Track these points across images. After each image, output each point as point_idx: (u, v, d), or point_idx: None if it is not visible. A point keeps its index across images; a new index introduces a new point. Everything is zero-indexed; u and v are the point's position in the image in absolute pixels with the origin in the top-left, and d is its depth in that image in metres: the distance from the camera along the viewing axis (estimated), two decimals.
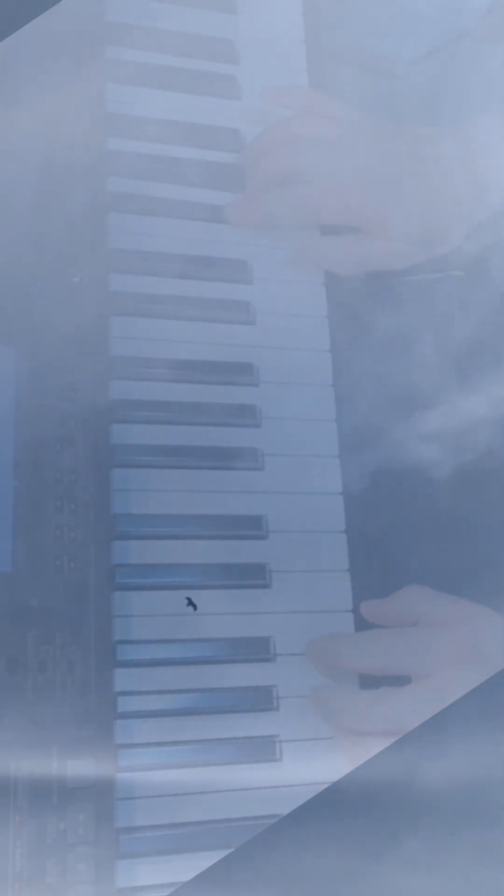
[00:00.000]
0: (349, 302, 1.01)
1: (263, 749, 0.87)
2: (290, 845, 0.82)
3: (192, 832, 0.84)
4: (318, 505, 0.94)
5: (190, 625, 0.89)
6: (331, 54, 1.10)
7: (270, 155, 1.01)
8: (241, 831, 0.84)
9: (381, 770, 0.82)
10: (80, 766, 0.83)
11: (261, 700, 0.88)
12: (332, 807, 0.81)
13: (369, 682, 0.89)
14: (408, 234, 0.98)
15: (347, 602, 0.92)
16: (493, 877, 0.79)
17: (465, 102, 1.05)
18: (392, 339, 0.99)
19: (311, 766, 0.87)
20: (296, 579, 0.92)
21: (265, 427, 0.96)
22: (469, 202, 0.99)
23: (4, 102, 0.99)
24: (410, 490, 0.95)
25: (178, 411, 0.94)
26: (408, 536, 0.95)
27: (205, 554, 0.91)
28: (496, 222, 1.00)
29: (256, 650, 0.89)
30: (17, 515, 0.87)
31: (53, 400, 0.91)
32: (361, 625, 0.91)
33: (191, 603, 0.87)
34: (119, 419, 0.93)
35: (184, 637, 0.88)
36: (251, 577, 0.91)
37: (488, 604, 0.90)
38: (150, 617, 0.88)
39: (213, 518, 0.92)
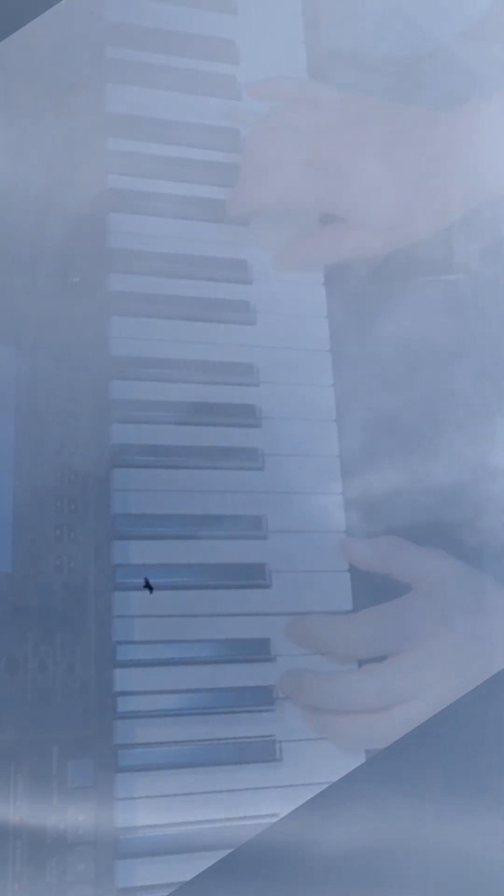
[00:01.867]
0: (349, 302, 1.01)
1: (263, 749, 0.87)
2: (291, 845, 0.82)
3: (192, 832, 0.84)
4: (318, 505, 0.94)
5: (190, 625, 0.89)
6: (330, 54, 1.10)
7: (259, 146, 1.01)
8: (241, 831, 0.84)
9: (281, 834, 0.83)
10: (80, 766, 0.83)
11: (261, 700, 0.88)
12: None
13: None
14: (387, 221, 0.98)
15: (347, 602, 0.92)
16: None
17: (464, 102, 1.05)
18: (392, 339, 0.99)
19: (311, 766, 0.87)
20: (296, 579, 0.92)
21: (265, 427, 0.96)
22: (457, 188, 0.98)
23: (4, 102, 0.99)
24: (411, 490, 0.95)
25: (178, 411, 0.94)
26: (407, 534, 0.95)
27: (205, 554, 0.91)
28: (496, 222, 1.00)
29: (256, 650, 0.89)
30: (17, 515, 0.87)
31: (53, 400, 0.91)
32: None
33: (147, 585, 0.87)
34: (119, 419, 0.93)
35: (184, 637, 0.88)
36: (251, 577, 0.91)
37: None
38: (150, 617, 0.88)
39: (213, 518, 0.92)
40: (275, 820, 0.84)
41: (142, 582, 0.87)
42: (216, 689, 0.87)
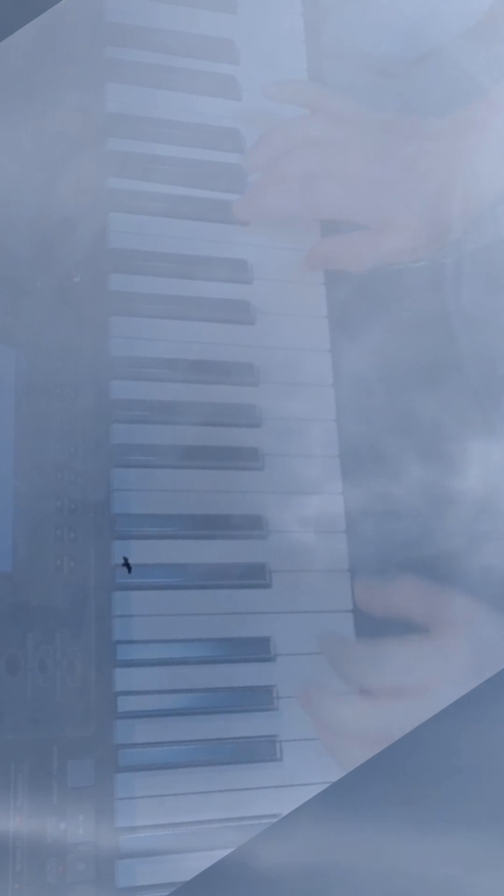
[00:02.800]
0: (349, 302, 1.01)
1: (263, 749, 0.87)
2: (291, 845, 0.82)
3: (191, 832, 0.84)
4: (318, 505, 0.94)
5: (190, 625, 0.89)
6: (331, 54, 1.10)
7: (278, 153, 1.01)
8: (241, 831, 0.84)
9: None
10: (80, 766, 0.83)
11: (261, 700, 0.88)
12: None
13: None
14: (413, 231, 0.98)
15: (347, 602, 0.92)
16: None
17: (465, 103, 1.05)
18: (392, 338, 0.99)
19: (311, 767, 0.87)
20: (296, 579, 0.92)
21: (265, 427, 0.96)
22: (473, 195, 0.99)
23: (4, 102, 0.99)
24: (410, 490, 0.95)
25: (178, 411, 0.94)
26: (407, 536, 0.95)
27: (205, 554, 0.91)
28: (497, 221, 1.00)
29: (256, 650, 0.89)
30: (17, 515, 0.87)
31: (53, 400, 0.91)
32: (361, 625, 0.91)
33: (126, 563, 0.86)
34: (119, 419, 0.93)
35: (184, 637, 0.88)
36: (251, 577, 0.91)
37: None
38: (150, 617, 0.88)
39: (213, 518, 0.92)
40: (275, 820, 0.84)
41: (125, 565, 0.87)
42: (216, 689, 0.87)
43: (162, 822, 0.84)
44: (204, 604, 0.89)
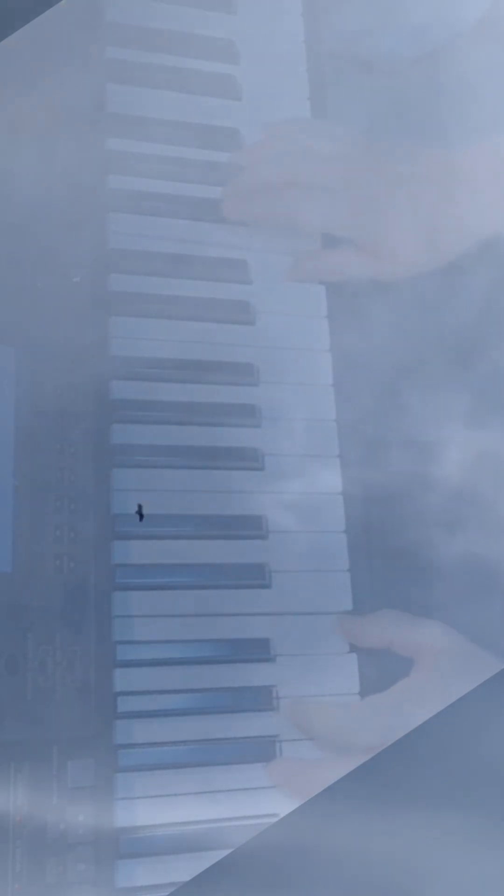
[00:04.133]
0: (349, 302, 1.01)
1: (263, 749, 0.87)
2: (291, 845, 0.82)
3: (191, 832, 0.84)
4: (318, 505, 0.94)
5: (190, 625, 0.89)
6: (331, 54, 1.10)
7: (272, 160, 1.01)
8: (241, 831, 0.84)
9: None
10: (80, 766, 0.83)
11: (261, 700, 0.88)
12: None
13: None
14: (401, 254, 0.99)
15: (347, 602, 0.92)
16: None
17: (465, 102, 1.05)
18: (392, 339, 0.99)
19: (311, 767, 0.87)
20: (296, 579, 0.92)
21: (265, 427, 0.96)
22: (469, 225, 0.99)
23: (4, 102, 0.99)
24: (411, 491, 0.95)
25: (178, 411, 0.94)
26: (408, 538, 0.95)
27: (205, 554, 0.91)
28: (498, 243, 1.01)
29: (256, 650, 0.89)
30: (17, 515, 0.87)
31: (53, 400, 0.91)
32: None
33: (139, 511, 0.86)
34: (119, 419, 0.93)
35: (184, 637, 0.88)
36: (251, 577, 0.91)
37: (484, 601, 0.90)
38: (150, 617, 0.88)
39: (213, 518, 0.92)
40: (275, 820, 0.84)
41: (138, 513, 0.86)
42: (216, 689, 0.87)
43: (162, 822, 0.84)
44: (204, 604, 0.89)
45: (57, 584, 0.87)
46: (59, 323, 0.94)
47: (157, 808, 0.84)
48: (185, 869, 0.82)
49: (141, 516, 0.86)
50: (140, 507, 0.86)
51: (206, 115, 1.05)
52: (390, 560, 0.94)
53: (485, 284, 1.01)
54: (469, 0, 1.09)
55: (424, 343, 1.00)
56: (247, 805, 0.85)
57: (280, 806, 0.85)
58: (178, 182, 1.01)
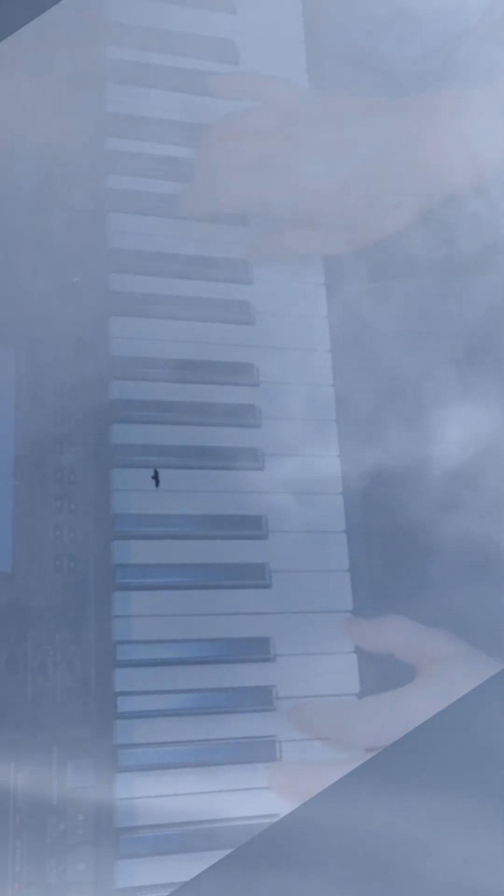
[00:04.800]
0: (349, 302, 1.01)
1: (263, 749, 0.87)
2: (290, 846, 0.82)
3: (192, 832, 0.84)
4: (318, 505, 0.94)
5: (190, 625, 0.89)
6: (331, 54, 1.10)
7: (217, 148, 1.01)
8: (241, 831, 0.84)
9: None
10: (80, 766, 0.83)
11: (261, 700, 0.88)
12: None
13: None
14: (353, 221, 0.98)
15: (347, 602, 0.92)
16: None
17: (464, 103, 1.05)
18: (392, 339, 0.99)
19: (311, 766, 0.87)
20: (296, 579, 0.92)
21: (265, 427, 0.96)
22: (417, 183, 0.98)
23: (4, 102, 0.99)
24: (410, 492, 0.95)
25: (178, 411, 0.94)
26: (407, 539, 0.95)
27: (205, 554, 0.91)
28: (497, 221, 1.00)
29: (256, 650, 0.89)
30: (17, 515, 0.87)
31: (53, 400, 0.91)
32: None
33: (155, 475, 0.86)
34: (119, 419, 0.93)
35: (184, 637, 0.88)
36: (251, 577, 0.91)
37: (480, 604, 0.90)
38: (150, 617, 0.88)
39: (213, 518, 0.92)
40: (275, 820, 0.84)
41: (154, 477, 0.86)
42: (216, 689, 0.87)
43: (162, 822, 0.84)
44: (204, 604, 0.89)
45: (57, 584, 0.87)
46: (59, 323, 0.94)
47: (157, 808, 0.84)
48: (185, 869, 0.82)
49: (157, 482, 0.86)
50: (156, 471, 0.86)
51: (206, 114, 1.05)
52: (390, 560, 0.94)
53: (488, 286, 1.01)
54: (469, 0, 1.09)
55: (428, 341, 1.00)
56: (247, 805, 0.85)
57: (280, 806, 0.85)
58: (178, 182, 1.01)
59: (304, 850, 0.82)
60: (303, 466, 0.95)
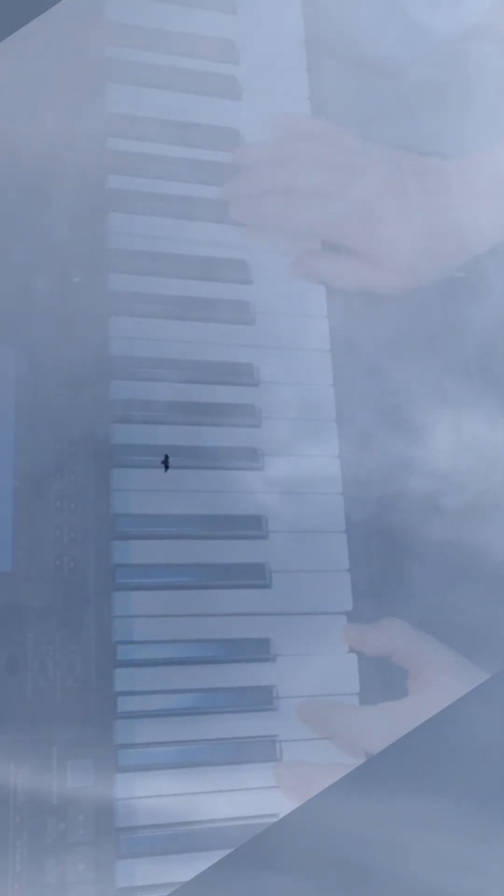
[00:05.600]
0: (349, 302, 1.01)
1: (263, 749, 0.87)
2: (290, 846, 0.82)
3: (192, 832, 0.84)
4: (317, 504, 0.94)
5: (190, 625, 0.89)
6: (331, 54, 1.09)
7: (277, 165, 1.01)
8: (241, 831, 0.84)
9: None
10: (80, 766, 0.83)
11: (261, 700, 0.88)
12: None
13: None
14: (400, 264, 0.99)
15: (347, 602, 0.92)
16: None
17: (464, 103, 1.05)
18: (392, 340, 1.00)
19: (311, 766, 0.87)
20: (296, 579, 0.92)
21: (265, 427, 0.96)
22: (468, 236, 1.00)
23: (4, 102, 0.99)
24: (410, 492, 0.95)
25: (178, 411, 0.94)
26: (407, 539, 0.95)
27: (205, 554, 0.91)
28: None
29: (256, 650, 0.89)
30: (17, 515, 0.87)
31: (53, 400, 0.91)
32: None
33: (165, 460, 0.86)
34: (119, 419, 0.93)
35: (184, 637, 0.88)
36: (251, 577, 0.91)
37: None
38: (150, 617, 0.88)
39: (213, 518, 0.92)
40: (275, 820, 0.84)
41: (163, 462, 0.86)
42: (216, 689, 0.87)
43: (162, 822, 0.84)
44: (204, 604, 0.89)
45: (57, 584, 0.87)
46: (59, 323, 0.94)
47: (157, 808, 0.84)
48: (185, 869, 0.82)
49: (167, 466, 0.86)
50: (167, 457, 0.85)
51: (206, 115, 1.05)
52: (390, 560, 0.94)
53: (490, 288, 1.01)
54: (469, 0, 1.09)
55: (429, 344, 1.00)
56: (247, 805, 0.85)
57: (280, 806, 0.85)
58: (178, 182, 1.01)
59: (295, 854, 0.82)
60: (302, 466, 0.95)
